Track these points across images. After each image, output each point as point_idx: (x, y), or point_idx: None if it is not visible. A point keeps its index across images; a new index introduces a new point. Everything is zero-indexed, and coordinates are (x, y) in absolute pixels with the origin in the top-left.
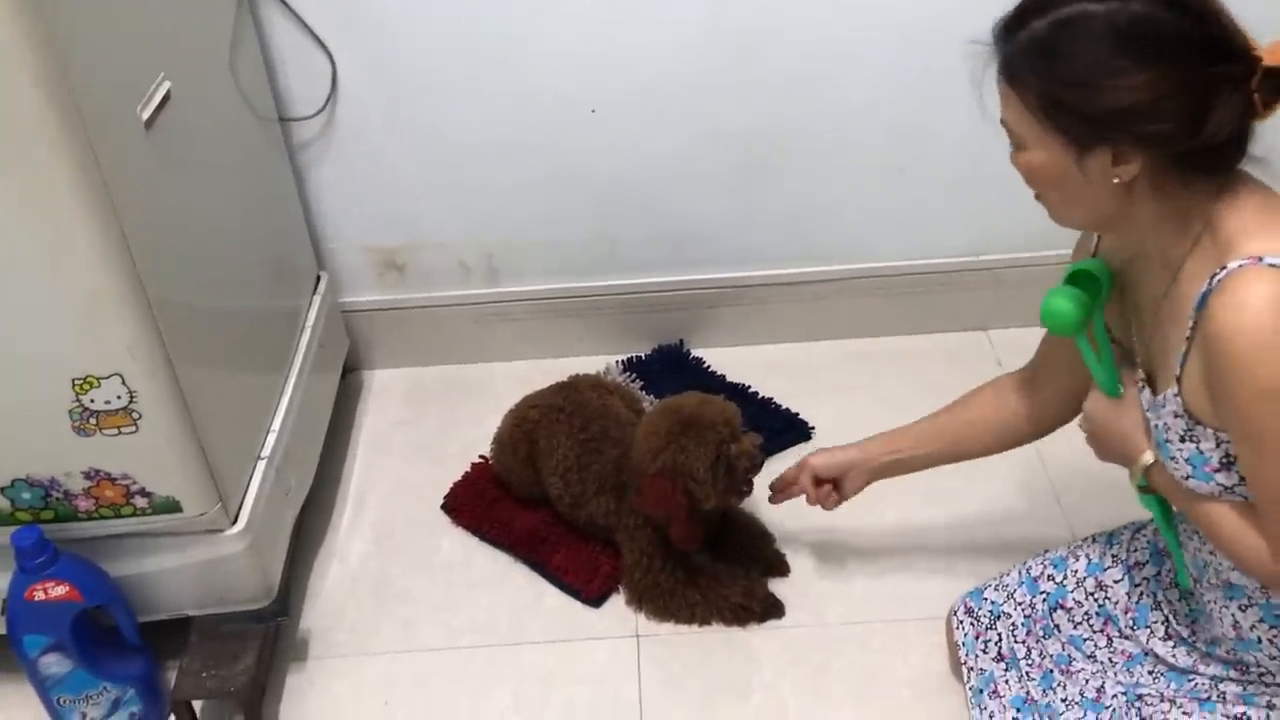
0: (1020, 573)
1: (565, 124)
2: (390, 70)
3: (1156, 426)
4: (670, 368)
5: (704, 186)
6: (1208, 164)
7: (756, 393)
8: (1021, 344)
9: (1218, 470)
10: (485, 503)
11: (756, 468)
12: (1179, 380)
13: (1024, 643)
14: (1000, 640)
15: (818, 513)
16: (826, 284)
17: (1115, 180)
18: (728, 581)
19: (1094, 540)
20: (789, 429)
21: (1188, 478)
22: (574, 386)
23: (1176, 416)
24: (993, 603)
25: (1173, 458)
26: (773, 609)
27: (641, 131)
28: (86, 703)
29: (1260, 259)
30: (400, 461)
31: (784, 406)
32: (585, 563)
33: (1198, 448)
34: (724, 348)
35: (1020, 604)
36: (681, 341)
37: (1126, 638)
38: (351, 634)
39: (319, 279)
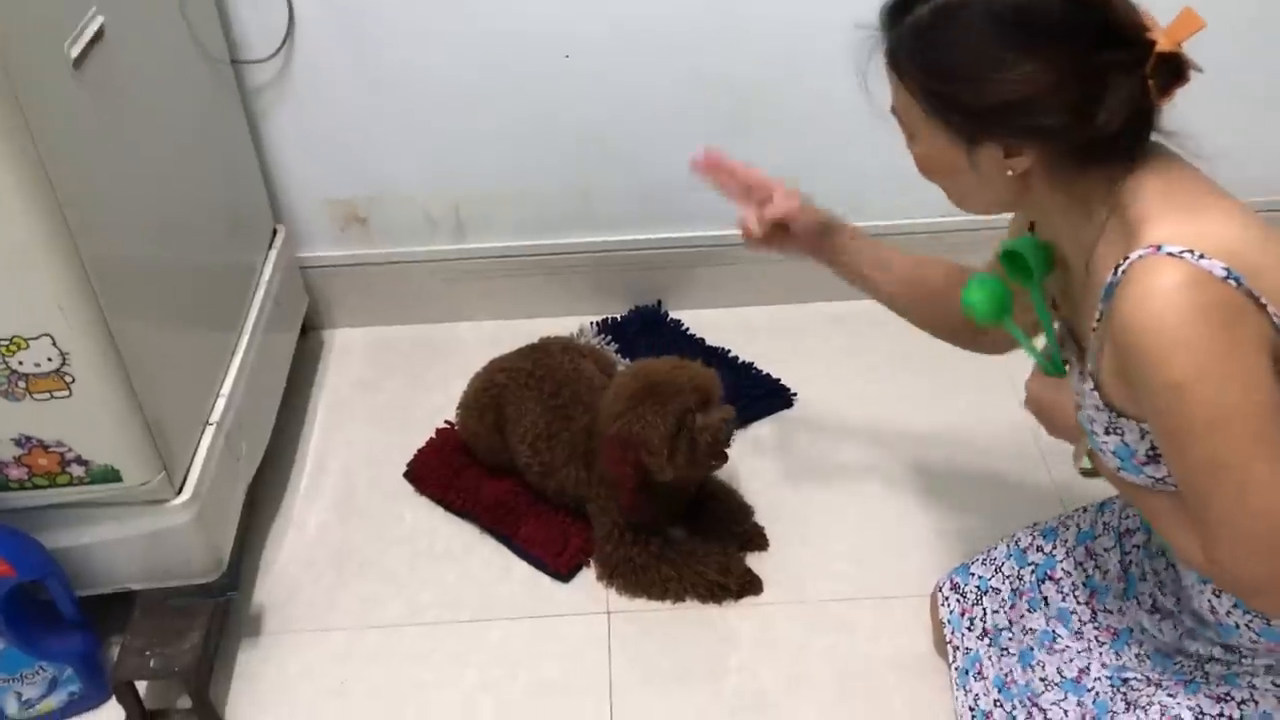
0: (1009, 545)
1: (538, 69)
2: (352, 9)
3: (1082, 417)
4: (647, 330)
5: (684, 138)
6: (1105, 152)
7: (736, 357)
8: None
9: (1146, 463)
10: (451, 470)
11: (721, 444)
12: (1093, 374)
13: (1006, 615)
14: (985, 616)
15: (799, 485)
16: None
17: (1009, 173)
18: (703, 556)
19: (1084, 510)
20: (770, 395)
21: (1119, 469)
22: (544, 349)
23: (1098, 409)
24: (979, 578)
25: (1100, 449)
26: (750, 585)
27: (618, 79)
28: (21, 682)
29: (1159, 248)
30: (362, 426)
31: (765, 372)
32: (554, 534)
33: (1122, 440)
34: (703, 309)
35: (1008, 577)
36: (659, 302)
37: (1112, 611)
38: (308, 609)
39: (275, 232)
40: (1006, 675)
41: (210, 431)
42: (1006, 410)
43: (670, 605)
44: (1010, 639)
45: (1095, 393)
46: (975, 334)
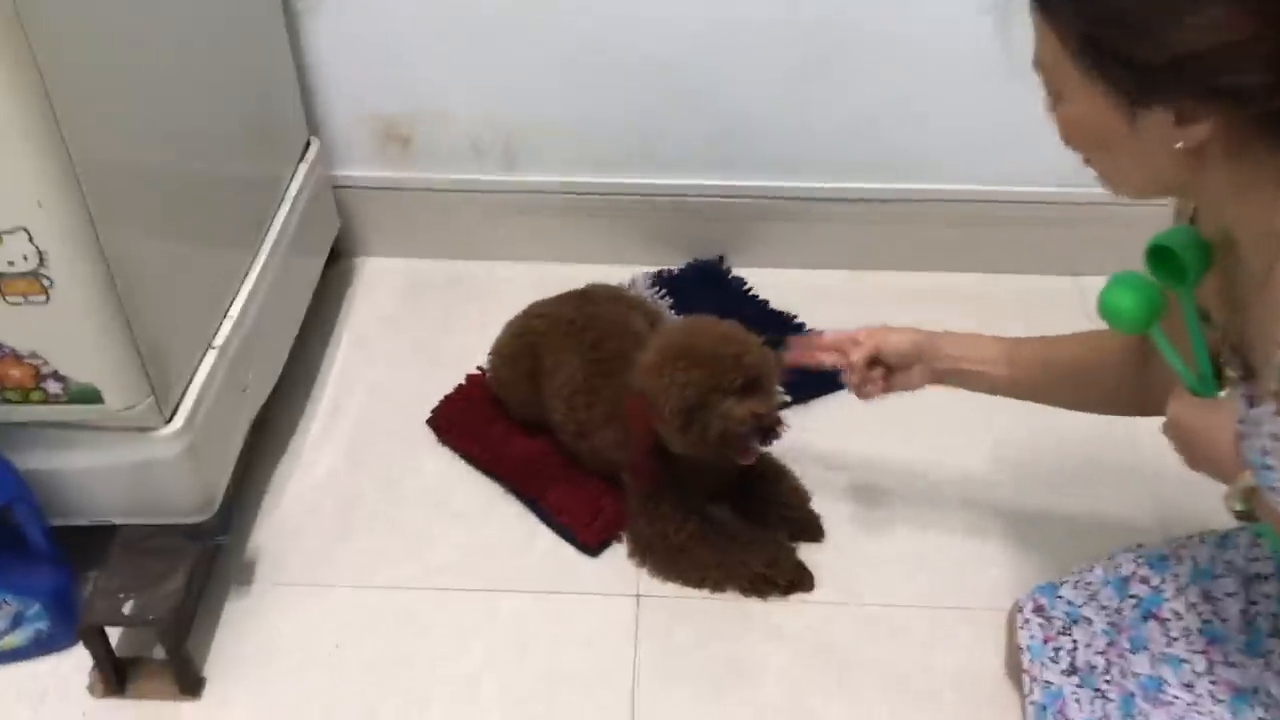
0: (1106, 570)
1: None
2: None
3: (1249, 449)
4: (705, 286)
5: (760, 76)
6: None
7: (802, 324)
8: None
9: None
10: (478, 422)
11: (735, 439)
12: (1277, 395)
13: (1104, 655)
14: (1075, 650)
15: (862, 474)
16: (892, 205)
17: (1179, 145)
18: (748, 543)
19: (1202, 540)
20: (831, 370)
21: None
22: (589, 297)
23: (1277, 439)
24: (1069, 603)
25: (1274, 488)
26: (800, 581)
27: (691, 4)
28: None
29: None
30: (386, 365)
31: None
32: (585, 502)
33: None
34: (769, 268)
35: (1105, 608)
36: (721, 258)
37: (1233, 665)
38: (307, 561)
39: (308, 145)
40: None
41: (212, 356)
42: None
43: (708, 594)
44: (1108, 682)
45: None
46: (1138, 394)
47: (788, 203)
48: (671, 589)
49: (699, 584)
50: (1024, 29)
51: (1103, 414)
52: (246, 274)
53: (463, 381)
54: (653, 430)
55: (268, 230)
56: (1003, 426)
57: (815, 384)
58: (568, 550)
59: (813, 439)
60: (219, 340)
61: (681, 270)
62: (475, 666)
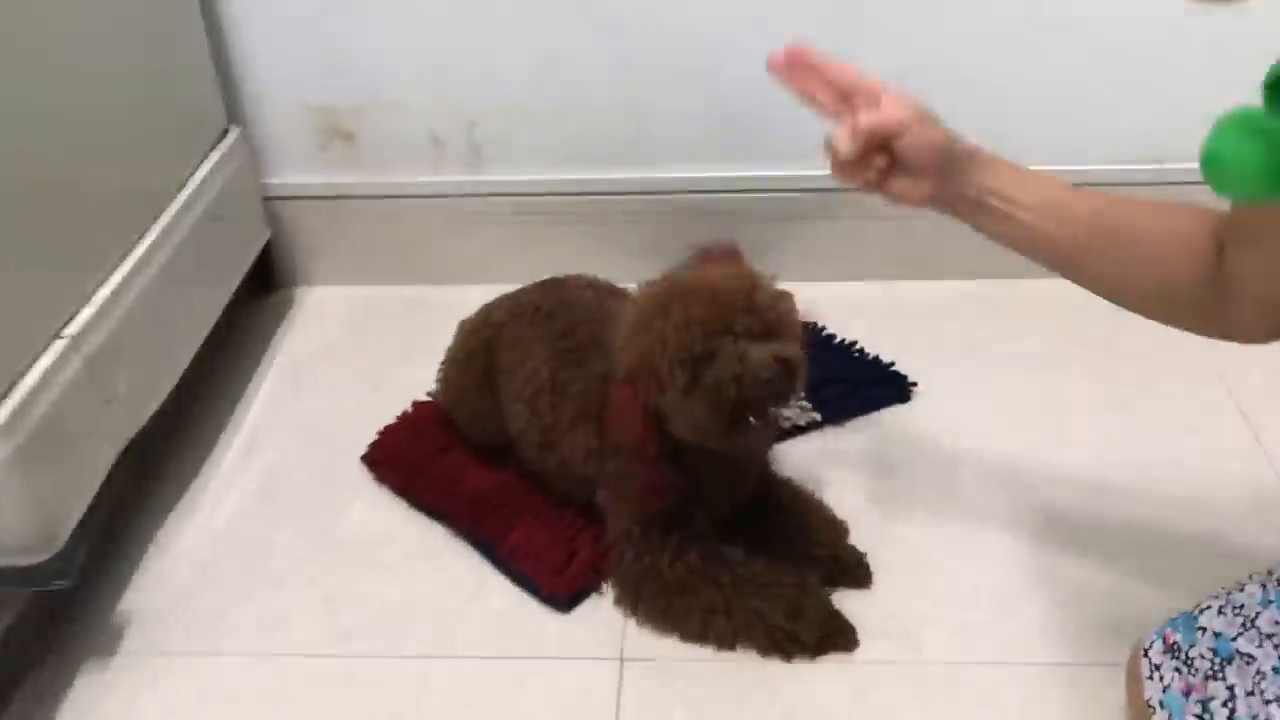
0: (1265, 588)
1: None
2: None
3: None
4: None
5: (778, 35)
6: None
7: (833, 335)
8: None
9: None
10: (424, 455)
11: (750, 389)
12: None
13: (1276, 694)
14: (1233, 700)
15: (915, 506)
16: None
17: None
18: (767, 586)
19: None
20: (878, 382)
21: None
22: (562, 283)
23: None
24: (1216, 635)
25: None
26: (836, 637)
27: None
28: None
29: None
30: (318, 397)
31: (874, 355)
32: (555, 545)
33: None
34: (794, 280)
35: (1269, 636)
36: None
37: None
38: (190, 625)
39: (225, 134)
40: None
41: (60, 347)
42: (1220, 428)
43: (711, 654)
44: None
45: None
46: (1220, 300)
47: (813, 196)
48: (666, 647)
49: (701, 637)
50: None
51: (1155, 315)
52: (122, 260)
53: (408, 409)
54: (648, 420)
55: (157, 217)
56: (1089, 457)
57: (854, 401)
58: (531, 606)
59: (849, 470)
60: (72, 329)
61: None
62: None
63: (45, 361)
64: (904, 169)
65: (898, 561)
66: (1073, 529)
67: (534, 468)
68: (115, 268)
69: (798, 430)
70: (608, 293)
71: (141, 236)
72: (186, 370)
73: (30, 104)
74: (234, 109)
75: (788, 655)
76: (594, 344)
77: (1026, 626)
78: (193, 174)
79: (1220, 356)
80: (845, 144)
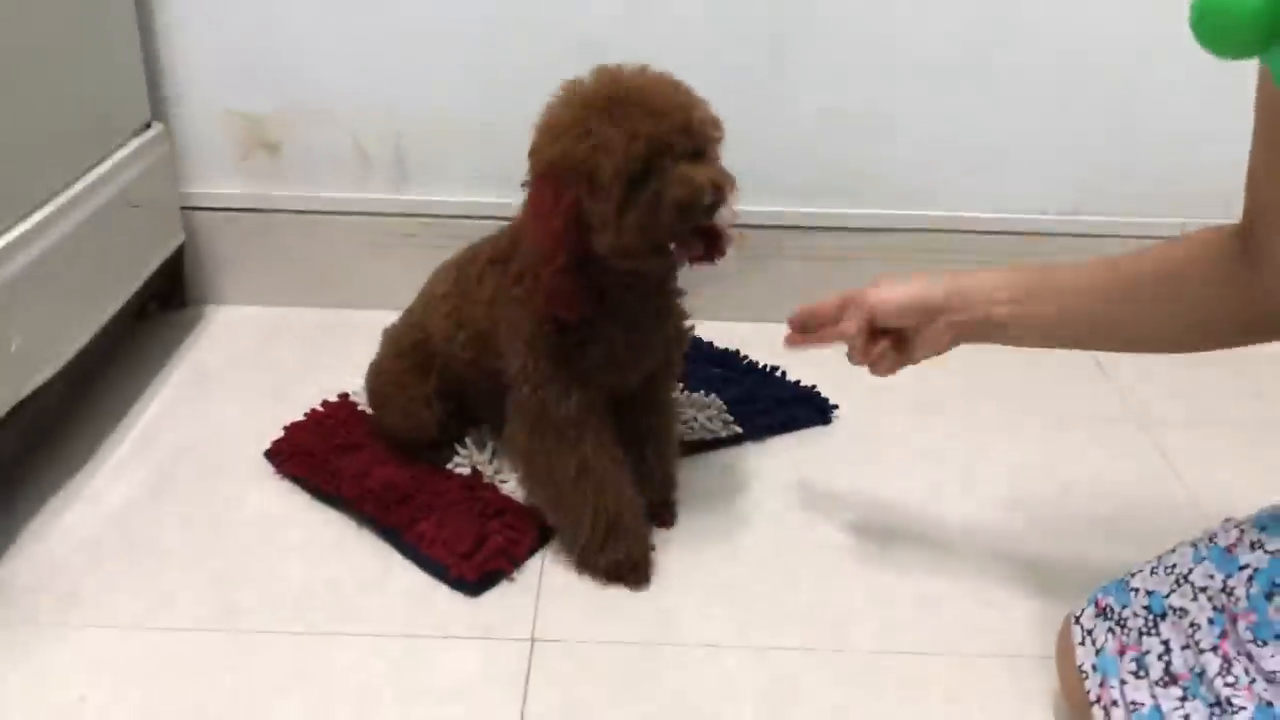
0: (1199, 547)
1: None
2: None
3: None
4: None
5: (714, 73)
6: None
7: (756, 362)
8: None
9: None
10: (332, 450)
11: (692, 212)
12: None
13: (1217, 651)
14: (1169, 653)
15: (834, 504)
16: (864, 234)
17: None
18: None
19: None
20: (798, 402)
21: None
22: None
23: None
24: (1149, 593)
25: None
26: (629, 575)
27: None
28: None
29: None
30: (221, 402)
31: (796, 380)
32: (464, 531)
33: None
34: (718, 321)
35: (1203, 589)
36: None
37: None
38: (68, 597)
39: (148, 126)
40: None
41: None
42: (1131, 454)
43: (635, 639)
44: (1231, 686)
45: None
46: (1241, 296)
47: (740, 231)
48: (580, 629)
49: (568, 499)
50: None
51: (1197, 345)
52: (25, 218)
53: (319, 407)
54: (569, 221)
55: (70, 185)
56: (1013, 473)
57: (773, 419)
58: (439, 589)
59: (767, 473)
60: None
61: None
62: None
63: None
64: (912, 335)
65: (818, 559)
66: (993, 536)
67: (466, 376)
68: (17, 222)
69: (719, 442)
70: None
71: (49, 199)
72: (83, 368)
73: None
74: (158, 107)
75: (583, 566)
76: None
77: (950, 621)
78: (110, 155)
79: (1129, 399)
80: (855, 356)
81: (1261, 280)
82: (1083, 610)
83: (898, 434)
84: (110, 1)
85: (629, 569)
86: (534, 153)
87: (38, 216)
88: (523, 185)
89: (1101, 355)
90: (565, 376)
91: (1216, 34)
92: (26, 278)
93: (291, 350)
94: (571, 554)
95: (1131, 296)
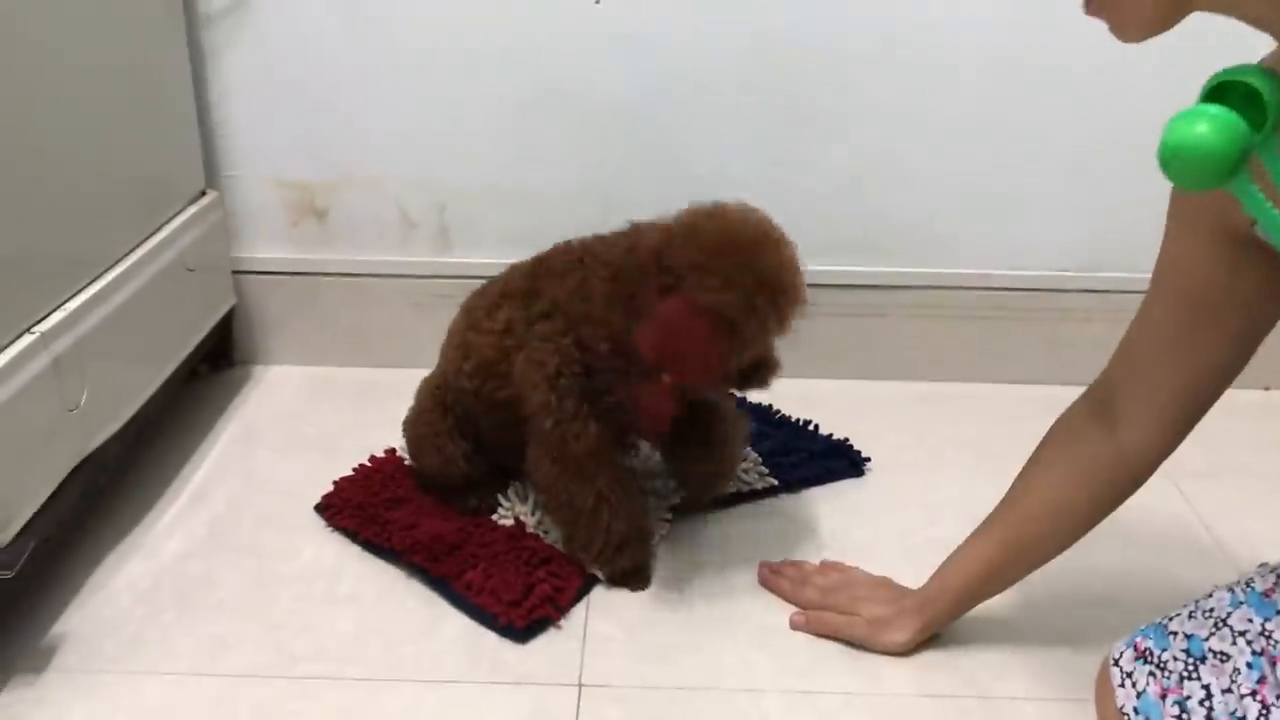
0: (1236, 591)
1: (558, 25)
2: None
3: None
4: None
5: (737, 126)
6: None
7: (791, 417)
8: None
9: None
10: (380, 503)
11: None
12: None
13: (1256, 696)
14: (1210, 699)
15: (868, 550)
16: (888, 291)
17: None
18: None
19: None
20: (830, 454)
21: None
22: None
23: None
24: (1188, 637)
25: None
26: (632, 579)
27: (659, 41)
28: None
29: None
30: (271, 456)
31: (828, 433)
32: (511, 580)
33: None
34: None
35: (1243, 634)
36: None
37: None
38: (129, 646)
39: (203, 195)
40: None
41: (29, 341)
42: (1156, 492)
43: (679, 684)
44: None
45: None
46: (1124, 455)
47: None
48: (629, 675)
49: (586, 523)
50: None
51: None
52: (95, 280)
53: (366, 461)
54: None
55: (135, 248)
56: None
57: (805, 471)
58: (487, 636)
59: (801, 523)
60: (44, 325)
61: None
62: None
63: (13, 352)
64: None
65: None
66: (1023, 582)
67: (549, 451)
68: (88, 284)
69: (755, 494)
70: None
71: (116, 262)
72: (139, 427)
73: (35, 125)
74: (211, 176)
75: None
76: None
77: (985, 663)
78: (170, 220)
79: None
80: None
81: (1121, 443)
82: (1121, 653)
83: (928, 484)
84: (167, 74)
85: (632, 575)
86: (697, 273)
87: (105, 279)
88: (663, 290)
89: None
90: (585, 414)
91: (1185, 174)
92: (94, 338)
93: (337, 408)
94: (584, 559)
95: (1046, 546)
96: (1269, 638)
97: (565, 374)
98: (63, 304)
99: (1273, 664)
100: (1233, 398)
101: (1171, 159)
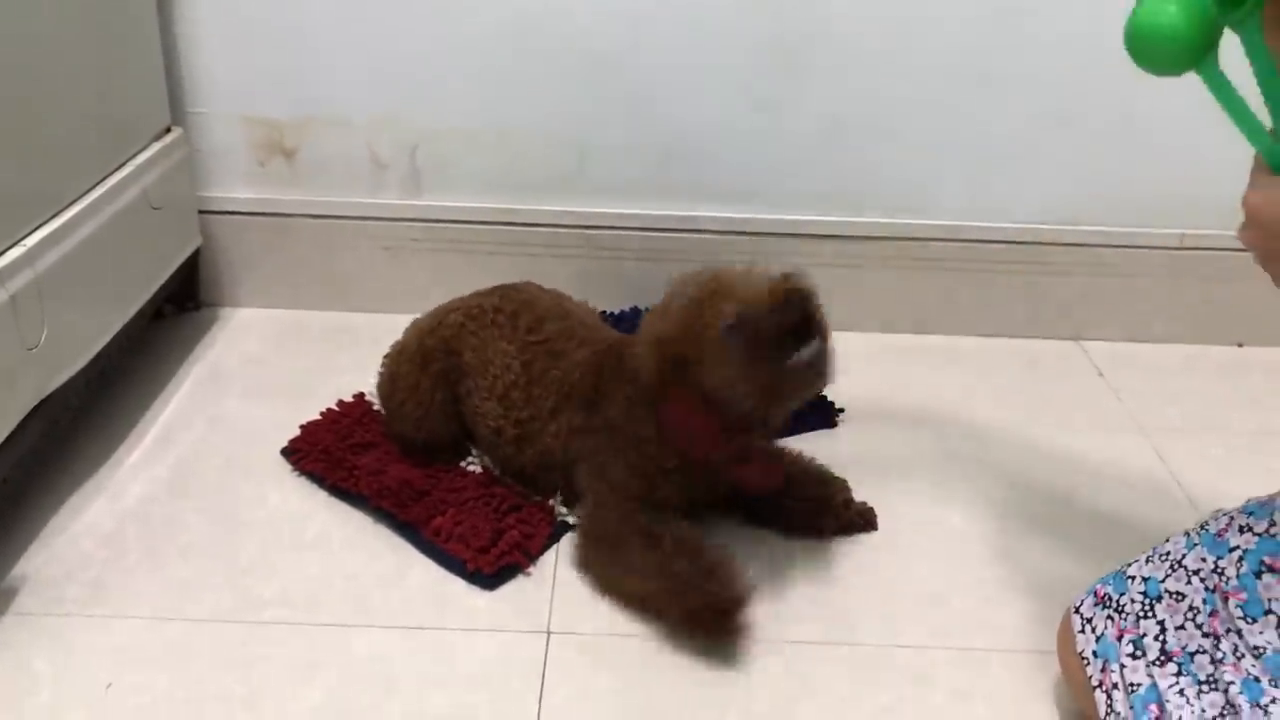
0: (1191, 535)
1: None
2: None
3: None
4: None
5: (721, 80)
6: None
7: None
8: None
9: None
10: (348, 446)
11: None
12: None
13: (1207, 631)
14: (1164, 634)
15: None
16: (866, 242)
17: None
18: (710, 567)
19: None
20: (809, 408)
21: None
22: (514, 287)
23: None
24: (1146, 579)
25: None
26: (711, 622)
27: None
28: None
29: None
30: (239, 400)
31: None
32: (481, 527)
33: None
34: None
35: (1197, 572)
36: None
37: None
38: (92, 589)
39: (168, 130)
40: (1218, 717)
41: None
42: (1131, 449)
43: (639, 628)
44: (1219, 663)
45: None
46: None
47: (747, 238)
48: (596, 622)
49: (623, 588)
50: None
51: None
52: (54, 217)
53: (334, 406)
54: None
55: (95, 186)
56: (1014, 471)
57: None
58: (456, 583)
59: None
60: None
61: (619, 314)
62: (313, 706)
63: None
64: None
65: (826, 557)
66: (994, 536)
67: (507, 466)
68: (47, 221)
69: None
70: (560, 295)
71: (77, 199)
72: (102, 368)
73: None
74: (177, 112)
75: (702, 627)
76: (567, 337)
77: (957, 616)
78: (133, 157)
79: (1129, 405)
80: None
81: None
82: (1082, 600)
83: (901, 437)
84: (132, 9)
85: (703, 622)
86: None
87: (65, 216)
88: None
89: (1101, 362)
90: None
91: (1147, 54)
92: (53, 275)
93: (305, 351)
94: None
95: None
96: (1221, 574)
97: (627, 481)
98: (20, 240)
99: (1224, 599)
100: (1205, 354)
101: (1130, 42)
